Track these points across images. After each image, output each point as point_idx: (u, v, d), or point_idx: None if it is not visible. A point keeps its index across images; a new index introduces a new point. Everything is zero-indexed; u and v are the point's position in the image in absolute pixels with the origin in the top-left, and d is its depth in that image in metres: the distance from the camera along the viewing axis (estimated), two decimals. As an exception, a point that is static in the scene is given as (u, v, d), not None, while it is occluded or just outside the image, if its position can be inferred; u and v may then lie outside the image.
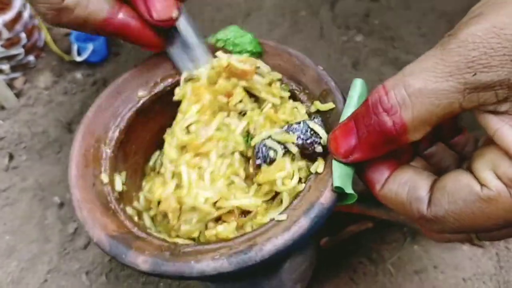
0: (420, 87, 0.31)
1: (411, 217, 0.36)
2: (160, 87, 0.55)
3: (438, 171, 0.41)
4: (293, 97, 0.53)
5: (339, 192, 0.41)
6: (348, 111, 0.42)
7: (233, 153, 0.49)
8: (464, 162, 0.41)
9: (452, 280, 0.72)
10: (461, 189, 0.33)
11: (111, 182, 0.49)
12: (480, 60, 0.29)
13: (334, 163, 0.40)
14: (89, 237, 0.78)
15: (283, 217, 0.41)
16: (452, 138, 0.43)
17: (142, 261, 0.39)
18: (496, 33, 0.29)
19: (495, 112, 0.31)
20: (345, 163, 0.40)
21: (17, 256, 0.79)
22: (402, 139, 0.33)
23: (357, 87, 0.44)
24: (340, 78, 1.01)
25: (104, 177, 0.48)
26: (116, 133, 0.52)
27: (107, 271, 0.77)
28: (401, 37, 1.10)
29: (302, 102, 0.52)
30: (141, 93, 0.54)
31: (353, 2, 1.19)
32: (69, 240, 0.80)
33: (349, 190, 0.39)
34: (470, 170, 0.34)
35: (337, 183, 0.39)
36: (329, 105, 0.49)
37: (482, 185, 0.32)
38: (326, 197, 0.40)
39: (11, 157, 0.92)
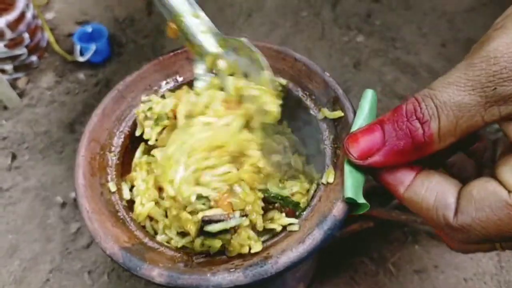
0: (445, 100, 0.32)
1: (435, 224, 0.36)
2: (164, 90, 0.55)
3: (458, 180, 0.40)
4: (299, 103, 0.53)
5: (351, 203, 0.40)
6: (359, 120, 0.42)
7: None
8: (484, 170, 0.41)
9: (452, 280, 0.72)
10: (488, 196, 0.33)
11: (119, 191, 0.49)
12: (501, 74, 0.30)
13: (346, 172, 0.40)
14: (91, 237, 0.79)
15: (296, 227, 0.42)
16: (471, 145, 0.43)
17: (157, 274, 0.39)
18: None
19: None
20: (357, 171, 0.40)
21: (19, 255, 0.79)
22: (429, 148, 0.34)
23: (368, 98, 0.43)
24: (341, 79, 1.02)
25: (112, 186, 0.48)
26: (121, 139, 0.52)
27: (109, 271, 0.77)
28: (402, 38, 1.10)
29: (309, 108, 0.52)
30: (145, 97, 0.54)
31: (354, 3, 1.19)
32: (71, 240, 0.81)
33: (361, 200, 0.39)
34: (495, 177, 0.34)
35: (349, 193, 0.39)
36: (338, 113, 0.49)
37: (509, 191, 0.33)
38: (338, 209, 0.41)
39: (13, 157, 0.92)
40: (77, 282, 0.76)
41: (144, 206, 0.47)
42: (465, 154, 0.43)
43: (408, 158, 0.36)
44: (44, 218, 0.84)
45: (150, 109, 0.51)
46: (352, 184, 0.39)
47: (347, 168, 0.40)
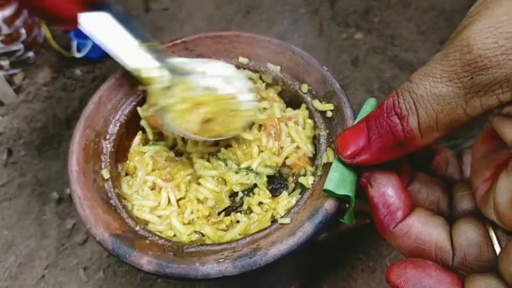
0: (422, 93, 0.31)
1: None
2: None
3: (430, 207, 0.39)
4: (296, 96, 0.53)
5: (337, 197, 0.40)
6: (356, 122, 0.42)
7: None
8: (453, 189, 0.39)
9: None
10: None
11: (112, 178, 0.48)
12: (476, 63, 0.28)
13: (333, 166, 0.39)
14: (87, 233, 0.79)
15: (287, 220, 0.41)
16: (429, 163, 0.41)
17: (146, 262, 0.39)
18: (492, 32, 0.28)
19: (506, 116, 0.29)
20: (345, 167, 0.39)
21: (15, 251, 0.79)
22: (412, 144, 0.33)
23: (370, 104, 0.43)
24: (339, 75, 1.01)
25: (105, 173, 0.48)
26: (117, 127, 0.52)
27: (105, 267, 0.77)
28: (400, 35, 1.10)
29: (305, 102, 0.52)
30: (142, 87, 0.54)
31: (352, 0, 1.19)
32: (67, 236, 0.80)
33: (341, 192, 0.38)
34: (498, 271, 0.31)
35: (327, 186, 0.39)
36: (328, 106, 0.48)
37: None
38: (330, 203, 0.41)
39: (10, 152, 0.92)
40: (72, 278, 0.76)
41: None
42: (429, 176, 0.40)
43: (393, 154, 0.35)
44: (40, 214, 0.83)
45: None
46: (336, 178, 0.39)
47: (335, 162, 0.40)
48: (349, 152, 0.37)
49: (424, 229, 0.35)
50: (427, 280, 0.32)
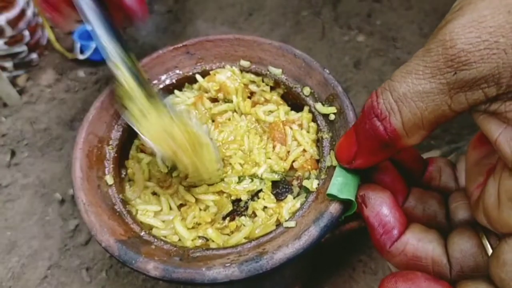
0: (404, 91, 0.30)
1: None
2: (162, 85, 0.55)
3: (428, 221, 0.39)
4: (298, 99, 0.53)
5: (340, 200, 0.40)
6: None
7: None
8: (449, 199, 0.39)
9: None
10: None
11: (116, 184, 0.48)
12: (459, 58, 0.27)
13: (337, 171, 0.40)
14: (90, 234, 0.79)
15: (292, 224, 0.42)
16: (422, 176, 0.41)
17: (153, 267, 0.39)
18: (475, 27, 0.27)
19: (493, 114, 0.29)
20: (350, 173, 0.39)
21: (18, 252, 0.79)
22: (398, 143, 0.32)
23: None
24: (341, 78, 1.02)
25: (109, 179, 0.48)
26: (120, 132, 0.52)
27: (108, 268, 0.77)
28: (402, 38, 1.10)
29: (308, 104, 0.52)
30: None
31: (355, 3, 1.19)
32: (69, 237, 0.80)
33: (344, 196, 0.39)
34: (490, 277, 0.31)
35: (330, 190, 0.39)
36: (331, 109, 0.49)
37: None
38: (335, 206, 0.41)
39: (13, 153, 0.92)
40: (75, 279, 0.76)
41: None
42: (423, 190, 0.40)
43: (381, 156, 0.35)
44: (43, 215, 0.83)
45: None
46: (339, 182, 0.39)
47: (338, 167, 0.40)
48: (345, 158, 0.38)
49: (420, 245, 0.35)
50: None
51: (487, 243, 0.33)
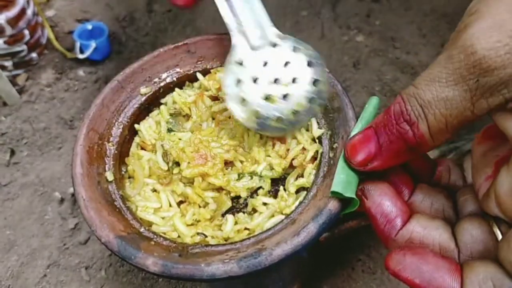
0: (429, 99, 0.31)
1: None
2: (163, 83, 0.55)
3: (435, 215, 0.39)
4: None
5: (339, 198, 0.40)
6: (360, 123, 0.42)
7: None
8: (457, 194, 0.40)
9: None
10: None
11: (116, 180, 0.48)
12: (481, 64, 0.27)
13: (339, 167, 0.40)
14: (89, 233, 0.79)
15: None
16: (432, 176, 0.42)
17: (152, 263, 0.39)
18: (495, 31, 0.27)
19: (510, 111, 0.29)
20: (351, 169, 0.39)
21: (17, 251, 0.79)
22: (423, 147, 0.33)
23: (372, 103, 0.43)
24: (341, 78, 1.02)
25: (109, 175, 0.48)
26: (120, 130, 0.52)
27: (107, 266, 0.77)
28: (401, 38, 1.10)
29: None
30: (144, 89, 0.54)
31: (354, 3, 1.19)
32: (69, 235, 0.81)
33: (348, 194, 0.39)
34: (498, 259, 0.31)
35: (336, 187, 0.39)
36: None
37: None
38: (334, 204, 0.41)
39: (12, 152, 0.92)
40: (74, 278, 0.76)
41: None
42: (430, 186, 0.41)
43: (405, 158, 0.35)
44: (42, 214, 0.83)
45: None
46: (343, 180, 0.39)
47: (340, 164, 0.40)
48: (360, 159, 0.37)
49: (426, 232, 0.35)
50: (425, 267, 0.32)
51: (498, 231, 0.33)
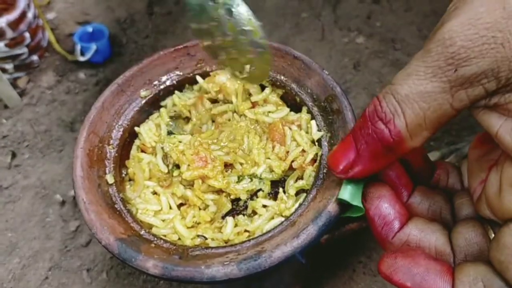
0: (406, 92, 0.30)
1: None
2: (163, 86, 0.56)
3: (433, 217, 0.39)
4: (297, 100, 0.53)
5: (344, 204, 0.40)
6: None
7: None
8: (456, 197, 0.39)
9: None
10: None
11: (116, 183, 0.49)
12: (459, 54, 0.28)
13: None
14: (91, 235, 0.79)
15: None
16: (430, 178, 0.41)
17: (152, 265, 0.39)
18: (472, 24, 0.28)
19: (493, 107, 0.29)
20: (358, 179, 0.39)
21: (18, 253, 0.79)
22: (401, 147, 0.32)
23: None
24: (341, 80, 1.02)
25: (109, 178, 0.48)
26: (120, 132, 0.52)
27: (108, 269, 0.77)
28: (402, 39, 1.10)
29: (306, 105, 0.52)
30: (144, 92, 0.54)
31: (354, 4, 1.19)
32: (70, 238, 0.81)
33: (355, 202, 0.39)
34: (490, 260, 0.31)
35: (342, 196, 0.39)
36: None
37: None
38: (333, 206, 0.41)
39: (13, 155, 0.93)
40: (75, 280, 0.76)
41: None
42: (429, 188, 0.41)
43: (384, 162, 0.35)
44: (44, 216, 0.84)
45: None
46: (350, 188, 0.39)
47: None
48: (341, 167, 0.36)
49: (423, 235, 0.35)
50: (416, 269, 0.33)
51: (492, 232, 0.33)
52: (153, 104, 0.56)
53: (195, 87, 0.57)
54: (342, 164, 0.36)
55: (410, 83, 0.30)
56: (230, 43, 0.47)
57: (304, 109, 0.53)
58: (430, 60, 0.29)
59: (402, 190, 0.39)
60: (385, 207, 0.36)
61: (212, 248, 0.42)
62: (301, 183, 0.48)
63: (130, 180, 0.51)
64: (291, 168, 0.50)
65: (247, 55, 0.47)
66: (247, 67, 0.48)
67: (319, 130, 0.50)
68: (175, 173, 0.50)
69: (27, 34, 1.03)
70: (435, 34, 0.29)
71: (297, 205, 0.46)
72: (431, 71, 0.29)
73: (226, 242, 0.46)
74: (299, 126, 0.52)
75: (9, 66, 1.03)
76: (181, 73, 0.56)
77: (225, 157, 0.49)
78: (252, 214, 0.48)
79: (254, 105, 0.55)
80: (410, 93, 0.30)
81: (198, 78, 0.56)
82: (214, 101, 0.56)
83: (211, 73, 0.56)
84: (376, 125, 0.32)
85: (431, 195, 0.40)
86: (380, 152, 0.33)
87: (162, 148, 0.51)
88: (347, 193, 0.39)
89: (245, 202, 0.49)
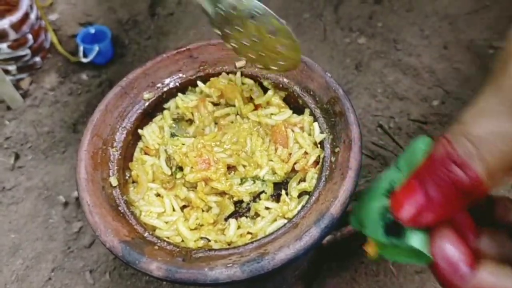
0: (481, 135, 0.27)
1: None
2: (166, 88, 0.56)
3: (502, 260, 0.35)
4: (299, 102, 0.54)
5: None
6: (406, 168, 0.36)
7: None
8: None
9: (453, 281, 0.72)
10: None
11: (120, 185, 0.49)
12: None
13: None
14: (94, 236, 0.80)
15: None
16: (490, 213, 0.37)
17: (156, 268, 0.39)
18: None
19: None
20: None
21: (21, 254, 0.80)
22: (479, 190, 0.29)
23: (420, 145, 0.36)
24: (343, 80, 1.02)
25: (113, 180, 0.48)
26: (124, 135, 0.52)
27: (111, 270, 0.77)
28: (403, 39, 1.10)
29: (309, 107, 0.52)
30: (147, 95, 0.54)
31: (356, 5, 1.19)
32: (73, 239, 0.81)
33: (425, 251, 0.33)
34: None
35: (413, 243, 0.33)
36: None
37: None
38: (336, 208, 0.41)
39: (17, 156, 0.93)
40: (78, 281, 0.76)
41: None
42: (493, 227, 0.37)
43: (458, 206, 0.31)
44: (47, 218, 0.84)
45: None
46: (419, 232, 0.34)
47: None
48: (410, 215, 0.33)
49: (497, 281, 0.32)
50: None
51: None
52: (156, 107, 0.56)
53: (198, 89, 0.57)
54: (410, 212, 0.33)
55: (483, 123, 0.27)
56: (258, 44, 0.47)
57: (307, 111, 0.53)
58: (505, 98, 0.27)
59: (468, 233, 0.36)
60: (449, 249, 0.33)
61: (215, 250, 0.42)
62: (303, 185, 0.48)
63: (133, 182, 0.51)
64: (293, 170, 0.50)
65: (275, 50, 0.47)
66: (279, 61, 0.48)
67: (321, 132, 0.50)
68: (178, 175, 0.50)
69: (29, 36, 1.03)
70: (504, 68, 0.27)
71: (299, 207, 0.46)
72: (508, 111, 0.27)
73: (229, 244, 0.46)
74: (302, 128, 0.52)
75: (12, 68, 1.04)
76: (184, 76, 0.56)
77: (228, 159, 0.49)
78: (255, 216, 0.48)
79: (257, 107, 0.55)
80: (485, 135, 0.27)
81: (199, 83, 0.56)
82: (216, 104, 0.56)
83: (211, 79, 0.56)
84: (450, 168, 0.29)
85: (497, 237, 0.37)
86: (455, 198, 0.30)
87: (166, 150, 0.51)
88: (418, 241, 0.34)
89: (248, 204, 0.49)
